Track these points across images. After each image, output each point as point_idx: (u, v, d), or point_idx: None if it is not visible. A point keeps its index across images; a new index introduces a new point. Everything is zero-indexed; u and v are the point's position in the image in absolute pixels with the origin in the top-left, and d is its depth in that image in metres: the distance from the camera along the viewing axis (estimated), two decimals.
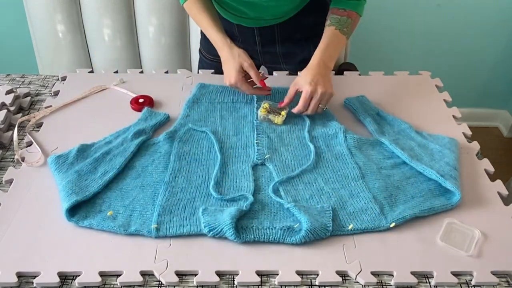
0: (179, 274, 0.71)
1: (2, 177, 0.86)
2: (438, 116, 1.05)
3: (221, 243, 0.74)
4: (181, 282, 0.70)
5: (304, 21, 1.16)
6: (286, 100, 0.98)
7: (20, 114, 1.02)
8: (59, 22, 1.43)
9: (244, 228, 0.75)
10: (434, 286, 0.71)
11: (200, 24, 1.08)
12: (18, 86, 1.13)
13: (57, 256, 0.72)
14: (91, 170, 0.84)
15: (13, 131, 0.96)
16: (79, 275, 0.69)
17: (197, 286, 0.70)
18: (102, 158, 0.87)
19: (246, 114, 1.02)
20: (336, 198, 0.82)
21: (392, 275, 0.71)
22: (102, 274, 0.70)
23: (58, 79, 1.14)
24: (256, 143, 0.94)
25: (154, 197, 0.81)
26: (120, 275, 0.70)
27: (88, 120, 1.00)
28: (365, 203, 0.80)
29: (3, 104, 1.01)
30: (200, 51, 1.34)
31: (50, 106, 1.03)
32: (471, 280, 0.72)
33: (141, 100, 1.04)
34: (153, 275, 0.71)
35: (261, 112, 0.99)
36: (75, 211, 0.78)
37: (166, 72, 1.18)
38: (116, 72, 1.17)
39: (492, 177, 0.89)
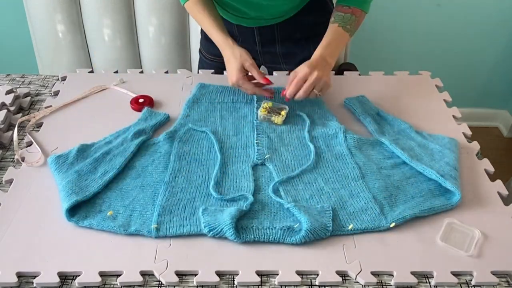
0: (179, 274, 0.71)
1: (2, 177, 0.86)
2: (438, 116, 1.04)
3: (221, 243, 0.74)
4: (181, 282, 0.70)
5: (304, 20, 1.16)
6: (287, 87, 0.96)
7: (20, 114, 1.02)
8: (59, 22, 1.43)
9: (244, 228, 0.75)
10: (434, 286, 0.71)
11: (202, 24, 1.07)
12: (18, 86, 1.13)
13: (57, 256, 0.72)
14: (91, 170, 0.84)
15: (13, 131, 0.96)
16: (79, 275, 0.69)
17: (197, 286, 0.70)
18: (102, 158, 0.87)
19: (246, 114, 1.02)
20: (336, 198, 0.82)
21: (392, 275, 0.71)
22: (102, 274, 0.70)
23: (58, 79, 1.14)
24: (256, 143, 0.94)
25: (154, 197, 0.81)
26: (120, 275, 0.70)
27: (88, 120, 1.00)
28: (365, 203, 0.80)
29: (3, 104, 1.01)
30: (200, 51, 1.34)
31: (50, 106, 1.03)
32: (471, 280, 0.72)
33: (141, 100, 1.04)
34: (153, 275, 0.71)
35: (261, 112, 0.99)
36: (75, 211, 0.78)
37: (166, 72, 1.18)
38: (116, 72, 1.17)
39: (492, 177, 0.89)
